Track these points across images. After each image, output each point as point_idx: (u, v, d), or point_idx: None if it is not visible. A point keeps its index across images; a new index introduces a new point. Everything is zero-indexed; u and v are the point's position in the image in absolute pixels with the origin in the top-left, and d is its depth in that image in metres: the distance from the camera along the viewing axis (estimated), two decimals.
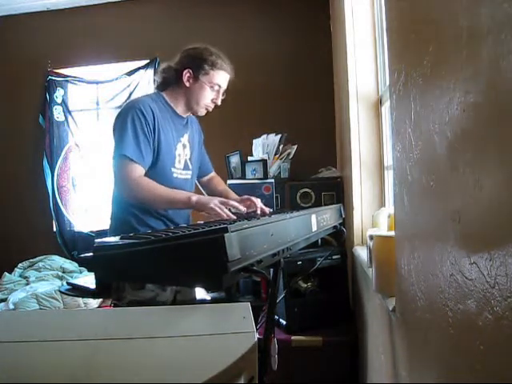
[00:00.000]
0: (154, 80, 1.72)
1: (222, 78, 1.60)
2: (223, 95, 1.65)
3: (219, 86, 1.60)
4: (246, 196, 1.57)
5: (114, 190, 1.60)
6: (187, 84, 1.58)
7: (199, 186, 1.87)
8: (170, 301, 1.54)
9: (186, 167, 1.65)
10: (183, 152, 1.64)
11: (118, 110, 1.58)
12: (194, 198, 1.42)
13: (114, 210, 1.62)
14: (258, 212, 1.52)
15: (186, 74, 1.57)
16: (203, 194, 1.85)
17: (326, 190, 2.61)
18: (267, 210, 1.55)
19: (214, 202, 1.38)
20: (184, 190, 1.60)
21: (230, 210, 1.42)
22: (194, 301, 1.70)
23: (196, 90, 1.58)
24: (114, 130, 1.54)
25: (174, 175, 1.59)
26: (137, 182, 1.45)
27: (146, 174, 1.50)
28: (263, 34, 3.45)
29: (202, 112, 1.65)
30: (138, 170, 1.46)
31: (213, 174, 1.90)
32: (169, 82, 1.63)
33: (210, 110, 1.65)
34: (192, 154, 1.69)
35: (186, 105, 1.63)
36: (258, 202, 1.54)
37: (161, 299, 1.47)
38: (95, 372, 0.47)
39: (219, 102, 1.64)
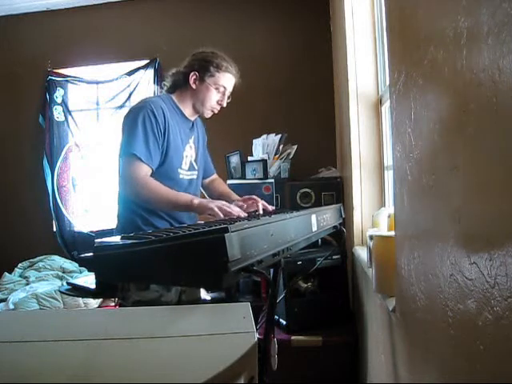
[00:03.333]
0: (164, 84, 1.75)
1: (227, 80, 1.62)
2: (229, 98, 1.68)
3: (224, 88, 1.63)
4: (247, 196, 1.59)
5: (119, 190, 1.61)
6: (193, 86, 1.61)
7: (201, 189, 1.87)
8: (175, 301, 1.54)
9: (191, 168, 1.67)
10: (189, 153, 1.67)
11: (119, 110, 1.59)
12: (196, 201, 1.44)
13: (119, 210, 1.62)
14: (260, 211, 1.52)
15: (193, 77, 1.61)
16: (205, 197, 1.86)
17: (326, 189, 2.61)
18: (270, 207, 1.56)
19: (215, 204, 1.38)
20: (189, 191, 1.62)
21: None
22: (198, 301, 1.70)
23: (202, 92, 1.61)
24: (122, 128, 1.55)
25: (180, 176, 1.61)
26: (142, 181, 1.47)
27: (152, 175, 1.51)
28: (263, 34, 3.45)
29: (208, 114, 1.67)
30: (145, 170, 1.48)
31: (215, 176, 1.92)
32: (177, 85, 1.67)
33: (216, 111, 1.68)
34: (197, 155, 1.72)
35: (192, 107, 1.66)
36: (260, 200, 1.55)
37: (165, 299, 1.47)
38: (95, 372, 0.47)
39: (225, 104, 1.66)
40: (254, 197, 1.58)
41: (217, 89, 1.61)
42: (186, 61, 1.66)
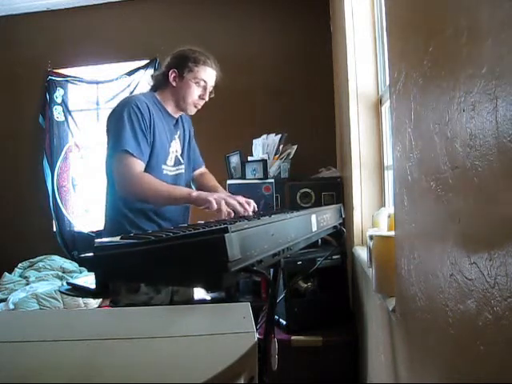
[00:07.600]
0: (148, 84, 1.74)
1: (206, 73, 1.62)
2: (211, 93, 1.67)
3: (205, 82, 1.62)
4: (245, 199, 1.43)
5: (107, 191, 1.60)
6: (174, 83, 1.62)
7: (190, 183, 1.85)
8: (167, 302, 1.53)
9: (176, 163, 1.66)
10: (175, 149, 1.66)
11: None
12: (194, 193, 1.40)
13: (107, 212, 1.62)
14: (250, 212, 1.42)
15: (172, 74, 1.61)
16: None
17: (326, 189, 2.61)
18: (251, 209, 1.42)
19: (214, 197, 1.33)
20: (177, 185, 1.62)
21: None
22: (191, 301, 1.69)
23: (182, 88, 1.61)
24: (108, 127, 1.55)
25: (164, 172, 1.59)
26: (138, 177, 1.44)
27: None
28: (263, 34, 3.45)
29: (192, 110, 1.66)
30: (139, 165, 1.46)
31: (203, 169, 1.89)
32: (158, 85, 1.68)
33: (199, 107, 1.67)
34: (183, 149, 1.72)
35: (175, 104, 1.65)
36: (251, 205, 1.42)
37: (156, 302, 1.46)
38: (95, 372, 0.47)
39: (207, 98, 1.66)
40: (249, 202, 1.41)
41: (197, 83, 1.61)
42: (165, 61, 1.67)
